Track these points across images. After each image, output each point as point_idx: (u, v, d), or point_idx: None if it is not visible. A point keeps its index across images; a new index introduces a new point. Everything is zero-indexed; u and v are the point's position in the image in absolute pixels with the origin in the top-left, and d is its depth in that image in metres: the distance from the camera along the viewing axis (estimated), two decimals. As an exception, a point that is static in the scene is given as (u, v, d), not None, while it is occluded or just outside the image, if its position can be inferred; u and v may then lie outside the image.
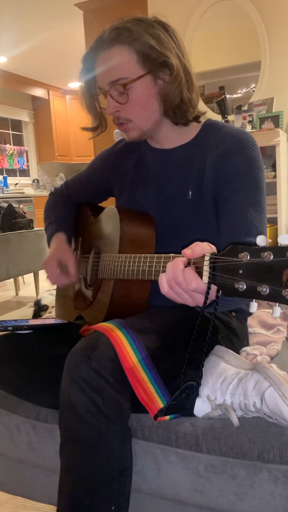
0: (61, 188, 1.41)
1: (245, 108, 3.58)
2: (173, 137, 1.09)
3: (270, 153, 3.23)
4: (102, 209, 1.26)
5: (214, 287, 0.67)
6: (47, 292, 2.78)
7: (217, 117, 3.47)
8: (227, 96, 3.80)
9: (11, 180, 7.00)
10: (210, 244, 0.71)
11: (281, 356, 1.14)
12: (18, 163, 7.42)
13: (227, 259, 0.62)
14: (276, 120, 3.40)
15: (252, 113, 3.51)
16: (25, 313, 3.46)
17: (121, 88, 0.98)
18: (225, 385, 0.85)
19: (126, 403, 0.84)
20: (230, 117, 3.55)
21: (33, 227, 3.81)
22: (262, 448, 0.79)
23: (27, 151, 7.65)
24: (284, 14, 3.53)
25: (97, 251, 1.18)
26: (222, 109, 3.48)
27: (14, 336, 1.08)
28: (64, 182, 1.42)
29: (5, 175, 6.87)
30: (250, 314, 1.19)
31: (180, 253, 0.74)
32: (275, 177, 3.24)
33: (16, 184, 7.03)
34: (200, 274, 0.68)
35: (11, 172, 7.28)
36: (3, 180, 6.68)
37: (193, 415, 0.88)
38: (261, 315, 1.39)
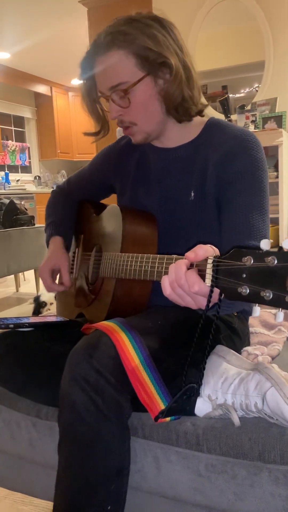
0: (63, 185, 1.40)
1: (248, 107, 3.57)
2: (176, 136, 1.08)
3: (272, 153, 3.23)
4: (104, 206, 1.26)
5: (216, 290, 0.67)
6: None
7: (220, 117, 3.46)
8: (230, 95, 3.79)
9: (12, 176, 7.00)
10: (213, 247, 0.71)
11: (282, 357, 1.14)
12: (20, 159, 7.41)
13: (230, 262, 0.62)
14: (279, 120, 3.40)
15: (255, 113, 3.50)
16: (25, 310, 3.46)
17: (122, 93, 0.97)
18: (226, 385, 0.85)
19: (126, 403, 0.84)
20: (233, 117, 3.55)
21: (34, 224, 3.81)
22: (263, 449, 0.79)
23: (29, 148, 7.64)
24: (288, 14, 3.53)
25: (99, 249, 1.18)
26: (225, 108, 3.47)
27: (15, 333, 1.08)
28: (66, 179, 1.41)
29: (7, 171, 6.87)
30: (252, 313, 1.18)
31: (182, 254, 0.74)
32: (277, 177, 3.24)
33: (17, 180, 7.02)
34: (203, 277, 0.68)
35: (13, 169, 7.27)
36: (4, 176, 6.68)
37: (194, 415, 0.88)
38: (262, 315, 1.39)
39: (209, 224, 1.03)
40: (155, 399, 0.83)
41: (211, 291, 0.67)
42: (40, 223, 3.96)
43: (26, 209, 3.96)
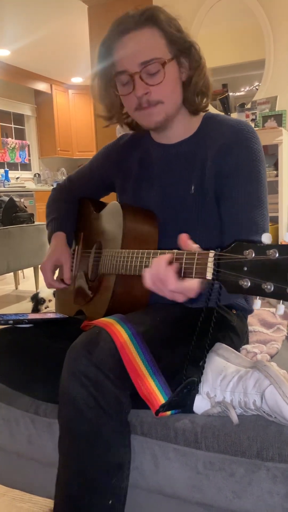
0: (64, 183, 1.40)
1: (248, 106, 3.57)
2: (180, 131, 1.08)
3: (272, 151, 3.22)
4: (104, 204, 1.25)
5: (194, 285, 0.70)
6: (46, 286, 2.77)
7: (220, 115, 3.46)
8: (230, 93, 3.78)
9: (12, 174, 6.99)
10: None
11: (281, 355, 1.14)
12: (20, 157, 7.41)
13: (231, 256, 0.62)
14: (279, 118, 3.40)
15: (255, 111, 3.50)
16: (24, 307, 3.46)
17: (157, 67, 0.98)
18: (225, 383, 0.85)
19: (126, 399, 0.84)
20: (233, 115, 3.55)
21: (34, 221, 3.81)
22: (261, 446, 0.79)
23: (29, 145, 7.64)
24: (289, 12, 3.52)
25: (99, 246, 1.18)
26: (225, 106, 3.47)
27: (14, 329, 1.08)
28: (67, 177, 1.41)
29: (6, 168, 6.86)
30: (251, 312, 1.19)
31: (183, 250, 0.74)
32: (277, 176, 3.23)
33: (17, 178, 7.02)
34: (204, 270, 0.69)
35: (13, 166, 7.27)
36: (4, 174, 6.67)
37: (193, 412, 0.88)
38: (261, 314, 1.39)
39: (210, 218, 1.03)
40: (155, 393, 0.84)
41: (212, 285, 0.68)
42: (40, 221, 3.97)
43: (26, 207, 3.96)
